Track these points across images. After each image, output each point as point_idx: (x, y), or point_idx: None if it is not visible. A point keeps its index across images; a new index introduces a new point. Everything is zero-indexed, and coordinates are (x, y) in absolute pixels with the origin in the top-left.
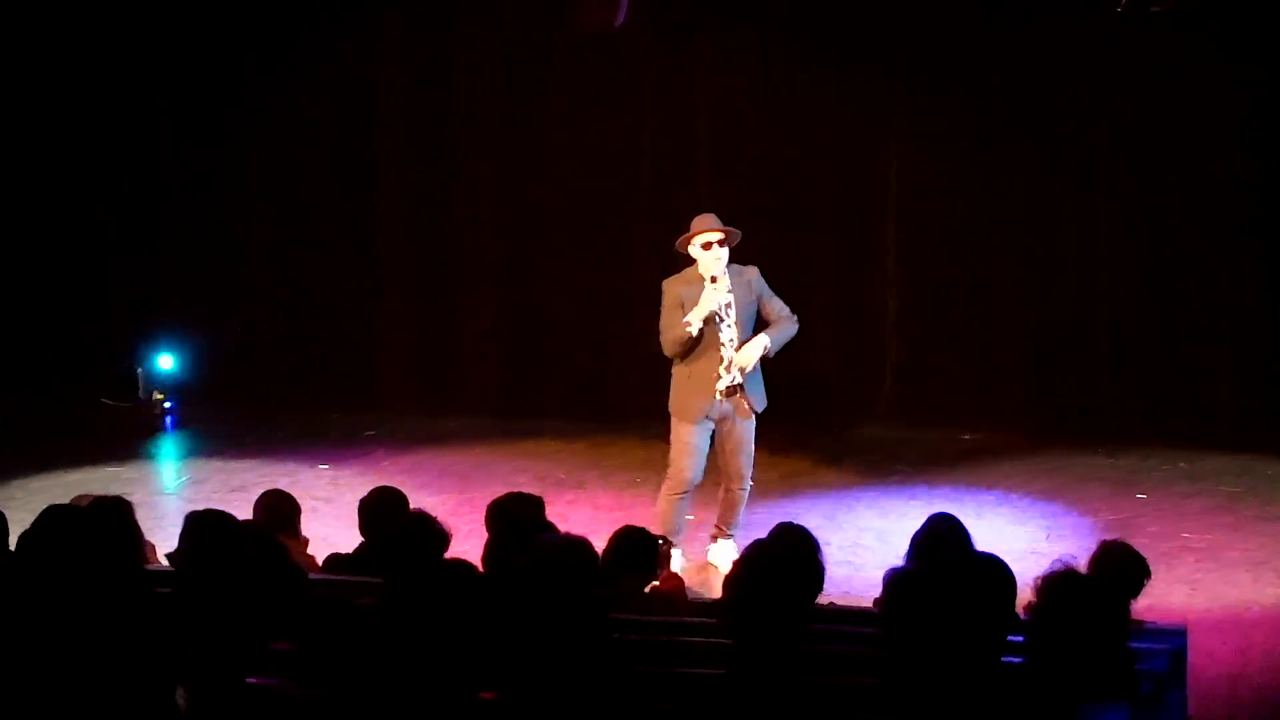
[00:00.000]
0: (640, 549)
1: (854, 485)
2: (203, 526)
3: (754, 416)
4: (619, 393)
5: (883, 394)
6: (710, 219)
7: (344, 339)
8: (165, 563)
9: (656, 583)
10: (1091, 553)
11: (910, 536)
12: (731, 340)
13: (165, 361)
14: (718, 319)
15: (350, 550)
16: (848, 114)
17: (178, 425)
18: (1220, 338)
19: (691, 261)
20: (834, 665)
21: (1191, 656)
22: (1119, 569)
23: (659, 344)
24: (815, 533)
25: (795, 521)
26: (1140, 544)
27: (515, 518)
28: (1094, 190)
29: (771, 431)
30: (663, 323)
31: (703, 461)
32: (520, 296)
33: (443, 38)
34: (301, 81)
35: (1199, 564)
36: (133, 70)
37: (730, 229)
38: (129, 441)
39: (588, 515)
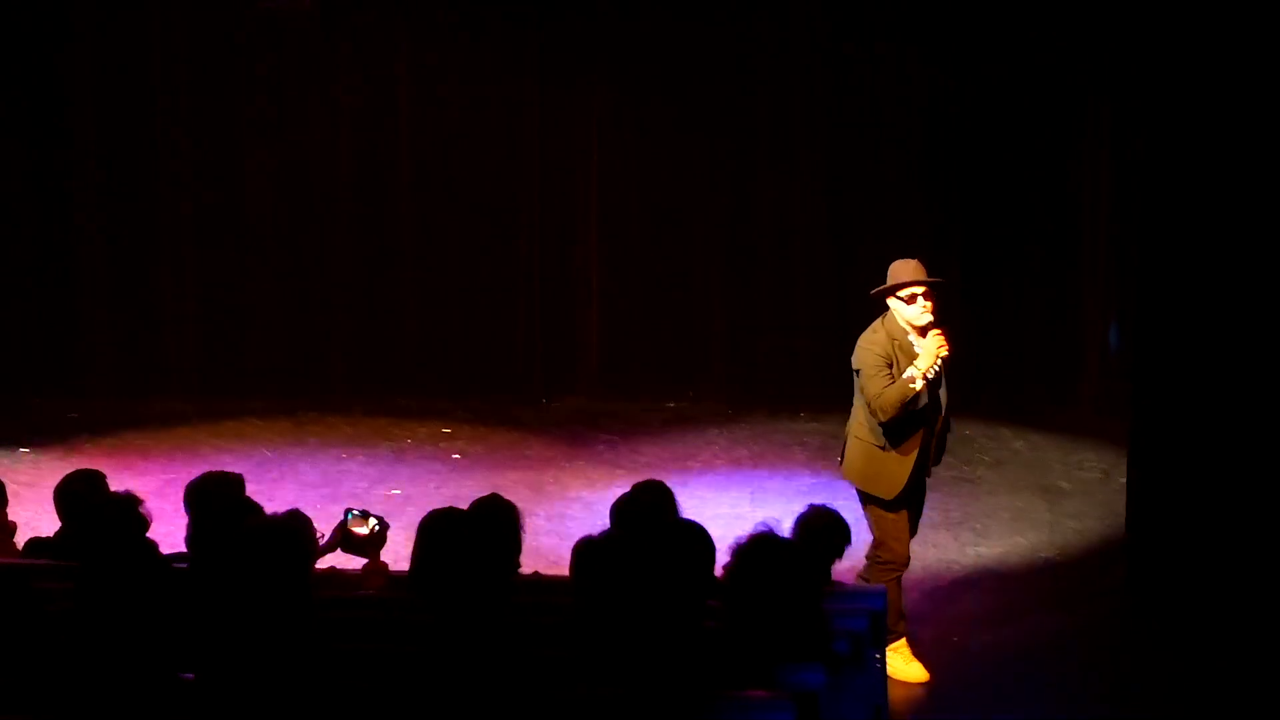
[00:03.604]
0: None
1: (559, 456)
2: None
3: None
4: (321, 371)
5: (585, 366)
6: (916, 268)
7: (42, 321)
8: None
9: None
10: (796, 516)
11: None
12: (938, 406)
13: None
14: (935, 377)
15: (52, 534)
16: (551, 90)
17: None
18: None
19: (883, 310)
20: (536, 636)
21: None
22: (822, 532)
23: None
24: (522, 504)
25: (500, 494)
26: (842, 507)
27: (214, 498)
28: (786, 170)
29: (474, 406)
30: (875, 384)
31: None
32: (220, 277)
33: (138, 17)
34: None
35: None
36: None
37: (938, 279)
38: None
39: (294, 492)
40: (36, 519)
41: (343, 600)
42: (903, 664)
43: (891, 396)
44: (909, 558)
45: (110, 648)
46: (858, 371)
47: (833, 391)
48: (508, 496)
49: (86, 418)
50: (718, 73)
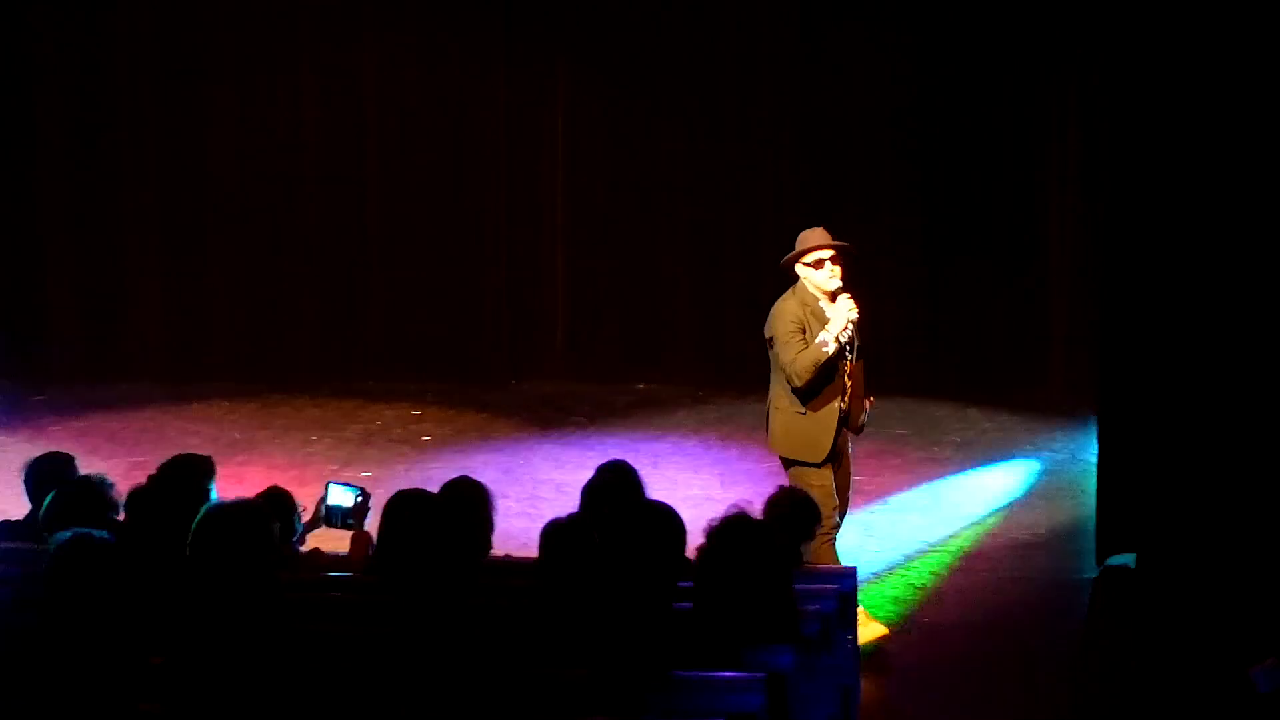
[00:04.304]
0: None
1: (529, 438)
2: None
3: None
4: (286, 353)
5: (553, 348)
6: (821, 234)
7: (7, 304)
8: None
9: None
10: (766, 497)
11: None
12: (851, 369)
13: None
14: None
15: (21, 517)
16: (516, 70)
17: None
18: (884, 285)
19: (793, 280)
20: (504, 618)
21: (861, 597)
22: (791, 513)
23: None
24: (492, 487)
25: (470, 475)
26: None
27: (184, 480)
28: (754, 149)
29: (441, 387)
30: (789, 351)
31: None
32: (185, 259)
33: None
34: None
35: (869, 505)
36: None
37: (844, 244)
38: None
39: (262, 475)
40: (3, 502)
41: (313, 581)
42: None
43: (805, 361)
44: (837, 521)
45: (80, 631)
46: (771, 340)
47: None
48: (477, 479)
49: (53, 400)
50: (686, 51)
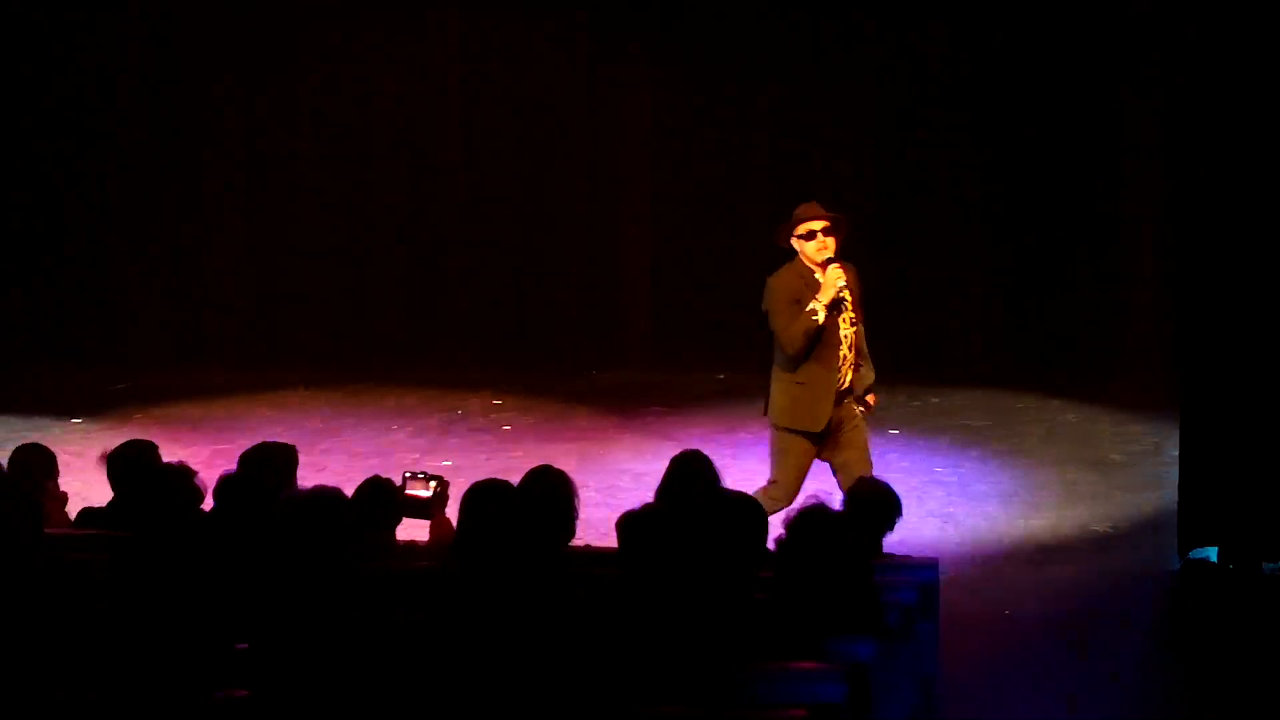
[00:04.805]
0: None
1: (608, 427)
2: None
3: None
4: (368, 341)
5: (634, 338)
6: (812, 206)
7: (92, 294)
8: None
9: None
10: (846, 489)
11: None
12: (847, 337)
13: None
14: (839, 309)
15: (104, 505)
16: (600, 60)
17: None
18: (966, 276)
19: (791, 255)
20: (586, 607)
21: (943, 589)
22: (872, 504)
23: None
24: (572, 475)
25: (551, 465)
26: (892, 479)
27: (269, 467)
28: (837, 142)
29: (522, 375)
30: (780, 320)
31: (804, 481)
32: (270, 247)
33: None
34: (38, 37)
35: (949, 498)
36: None
37: (836, 215)
38: None
39: (344, 463)
40: (87, 489)
41: (393, 570)
42: None
43: (796, 330)
44: (794, 500)
45: (164, 618)
46: (767, 313)
47: (883, 363)
48: (558, 467)
49: (136, 388)
50: (766, 42)
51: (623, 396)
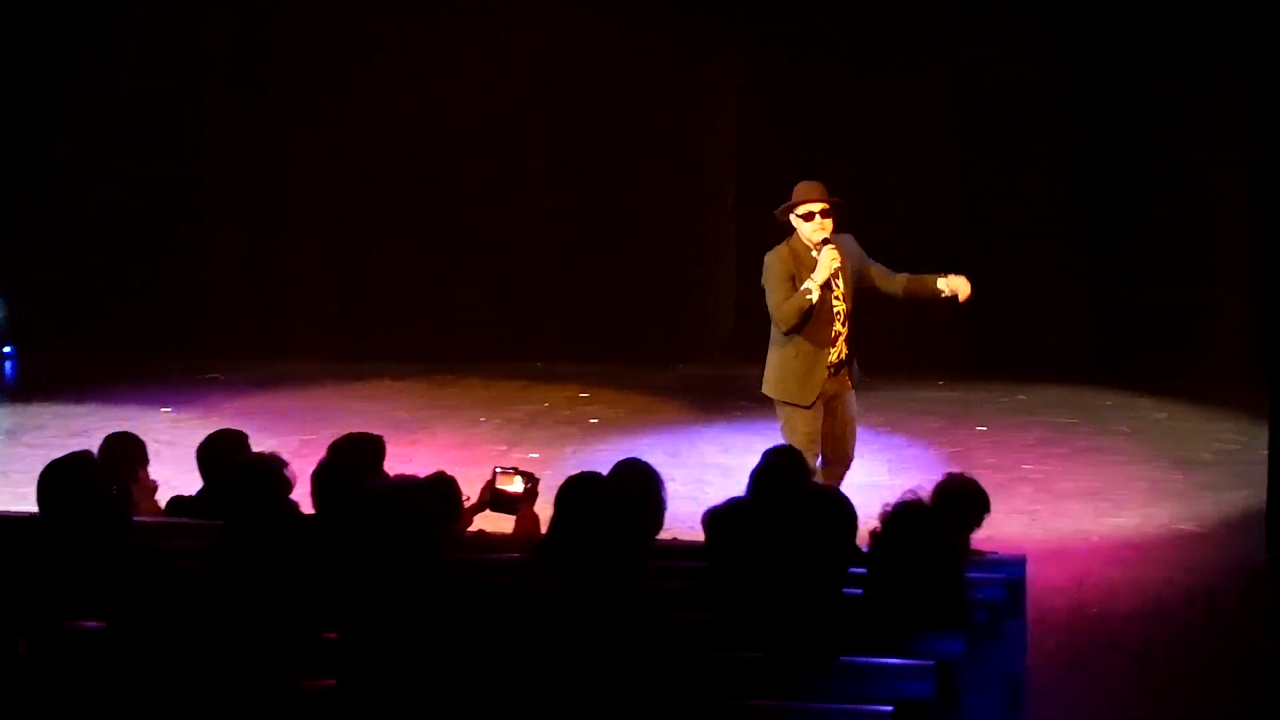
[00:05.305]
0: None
1: (696, 421)
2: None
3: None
4: (454, 333)
5: (721, 331)
6: (814, 187)
7: (181, 284)
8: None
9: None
10: (933, 485)
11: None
12: (838, 313)
13: None
14: (831, 287)
15: (193, 493)
16: (689, 49)
17: (16, 372)
18: (1054, 272)
19: (790, 232)
20: (674, 601)
21: (1030, 586)
22: (960, 501)
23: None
24: (659, 469)
25: (638, 458)
26: (978, 475)
27: (354, 458)
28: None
29: (612, 369)
30: (776, 297)
31: (819, 445)
32: (351, 239)
33: None
34: (125, 30)
35: (1036, 495)
36: None
37: (835, 199)
38: None
39: (430, 454)
40: (177, 478)
41: (480, 562)
42: None
43: (790, 307)
44: (817, 468)
45: (255, 607)
46: (764, 288)
47: (969, 360)
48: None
49: (225, 379)
50: (856, 36)
51: (709, 391)
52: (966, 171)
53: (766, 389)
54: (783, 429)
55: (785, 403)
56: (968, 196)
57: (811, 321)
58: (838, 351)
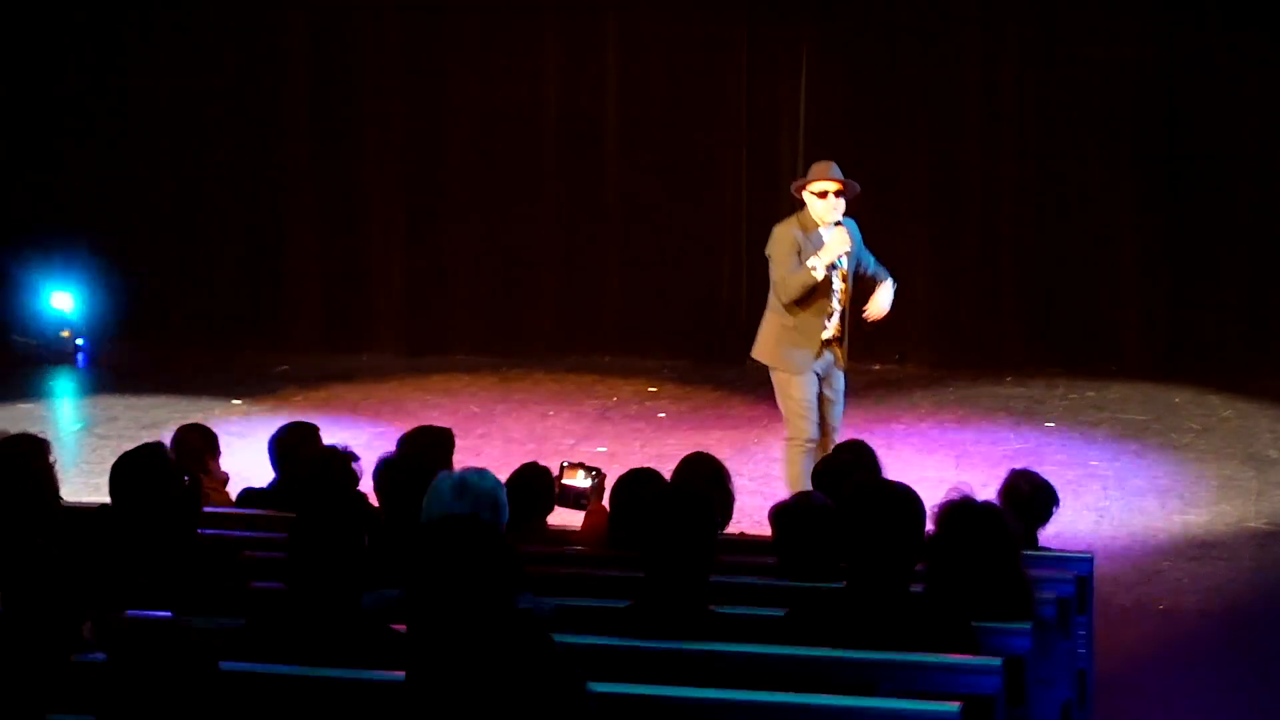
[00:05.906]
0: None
1: (762, 416)
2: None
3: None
4: (526, 327)
5: None
6: (829, 167)
7: (252, 276)
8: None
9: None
10: (1001, 481)
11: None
12: (837, 291)
13: (62, 300)
14: (834, 267)
15: (265, 485)
16: (757, 43)
17: (89, 363)
18: (1125, 269)
19: (800, 206)
20: (742, 595)
21: (1098, 583)
22: (1028, 497)
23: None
24: (726, 463)
25: (706, 452)
26: (1048, 472)
27: (427, 450)
28: (992, 129)
29: (677, 364)
30: (780, 269)
31: (816, 412)
32: (425, 233)
33: None
34: (206, 23)
35: (1106, 491)
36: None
37: (849, 181)
38: (39, 379)
39: (499, 448)
40: (248, 470)
41: (550, 555)
42: None
43: (794, 282)
44: (812, 435)
45: (324, 598)
46: (770, 258)
47: (1039, 356)
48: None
49: (296, 371)
50: (927, 33)
51: None
52: (1040, 169)
53: (759, 355)
54: (778, 395)
55: (779, 370)
56: (1039, 193)
57: (812, 294)
58: (833, 329)
